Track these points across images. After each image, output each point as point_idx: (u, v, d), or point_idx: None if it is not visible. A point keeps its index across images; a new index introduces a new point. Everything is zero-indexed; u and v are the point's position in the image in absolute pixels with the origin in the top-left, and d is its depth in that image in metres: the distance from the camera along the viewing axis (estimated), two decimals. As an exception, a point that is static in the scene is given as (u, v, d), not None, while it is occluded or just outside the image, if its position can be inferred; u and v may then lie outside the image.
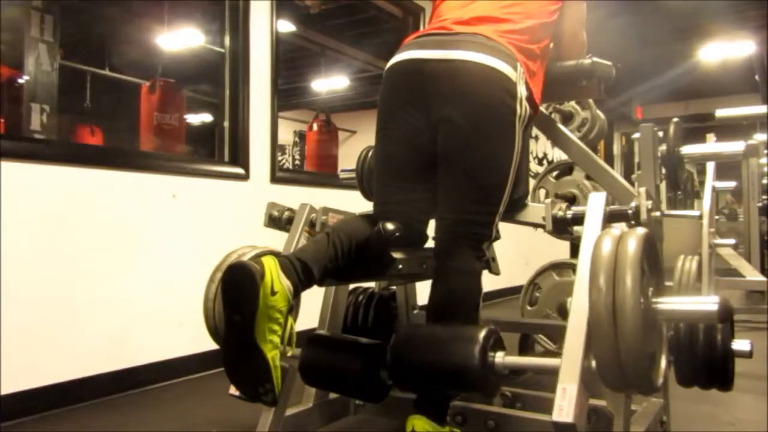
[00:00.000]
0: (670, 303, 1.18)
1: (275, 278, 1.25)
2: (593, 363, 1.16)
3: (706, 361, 1.59)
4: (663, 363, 1.24)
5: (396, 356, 1.31)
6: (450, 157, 1.46)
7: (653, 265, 1.19)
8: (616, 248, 1.12)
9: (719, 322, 1.18)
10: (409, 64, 1.51)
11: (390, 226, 1.41)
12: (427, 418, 1.34)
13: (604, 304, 1.08)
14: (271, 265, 1.27)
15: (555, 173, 2.50)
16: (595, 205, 1.38)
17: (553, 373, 1.22)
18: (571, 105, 2.52)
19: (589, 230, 1.34)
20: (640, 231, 1.16)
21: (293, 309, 1.52)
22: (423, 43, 1.53)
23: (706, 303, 1.15)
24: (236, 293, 1.25)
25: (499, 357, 1.23)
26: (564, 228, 1.50)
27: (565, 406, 1.12)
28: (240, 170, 3.03)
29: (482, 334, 1.22)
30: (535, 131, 1.89)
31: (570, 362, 1.17)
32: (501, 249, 1.89)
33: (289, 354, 1.30)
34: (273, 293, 1.24)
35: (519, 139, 1.47)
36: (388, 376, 1.33)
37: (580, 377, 1.15)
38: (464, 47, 1.45)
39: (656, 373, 1.19)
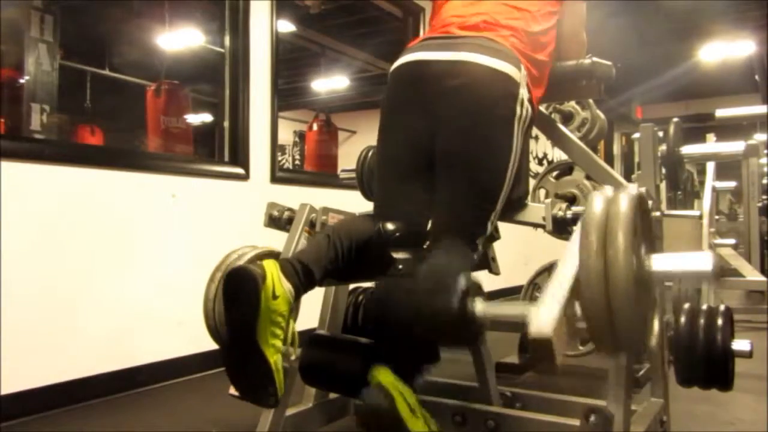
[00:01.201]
0: (662, 261, 1.16)
1: (276, 282, 1.25)
2: (577, 309, 1.13)
3: (706, 361, 1.60)
4: (656, 324, 1.21)
5: (377, 305, 1.29)
6: (448, 156, 1.46)
7: (646, 224, 1.17)
8: (608, 207, 1.10)
9: (713, 278, 1.15)
10: (413, 65, 1.51)
11: (390, 226, 1.41)
12: (395, 374, 1.30)
13: (595, 262, 1.05)
14: (272, 268, 1.27)
15: (555, 173, 2.50)
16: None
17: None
18: (571, 105, 2.52)
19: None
20: (633, 190, 1.14)
21: (294, 311, 1.52)
22: (427, 46, 1.54)
23: (700, 260, 1.13)
24: (237, 297, 1.25)
25: (479, 303, 1.22)
26: (564, 228, 1.50)
27: (543, 317, 1.08)
28: (240, 170, 3.03)
29: (461, 281, 1.21)
30: (535, 131, 1.89)
31: (551, 300, 1.11)
32: (501, 249, 1.89)
33: (292, 357, 1.30)
34: (275, 297, 1.24)
35: (518, 140, 1.47)
36: (369, 329, 1.31)
37: (558, 314, 1.09)
38: (468, 49, 1.46)
39: (649, 334, 1.17)
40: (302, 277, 1.32)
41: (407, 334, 1.31)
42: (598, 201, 1.12)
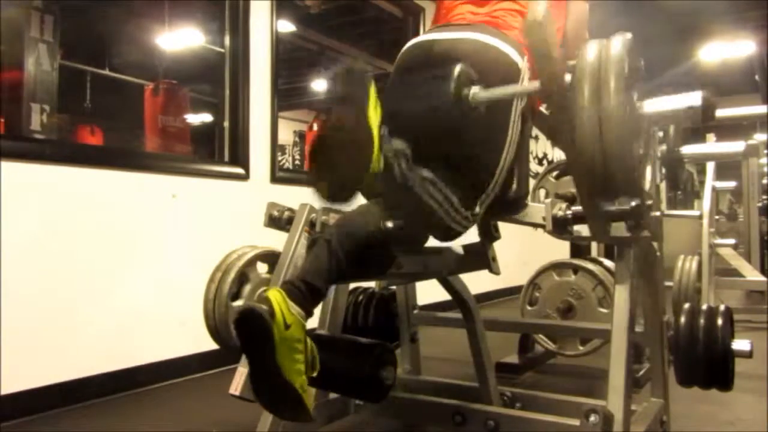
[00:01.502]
0: (654, 103, 1.16)
1: (286, 312, 1.25)
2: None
3: (706, 361, 1.60)
4: (648, 172, 1.23)
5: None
6: (446, 132, 1.44)
7: (636, 69, 1.17)
8: (600, 54, 1.10)
9: (703, 121, 1.15)
10: (418, 45, 1.52)
11: (391, 224, 1.41)
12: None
13: (589, 107, 1.06)
14: (278, 298, 1.27)
15: (555, 173, 2.50)
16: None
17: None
18: (572, 105, 2.51)
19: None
20: (625, 35, 1.14)
21: None
22: (434, 30, 1.54)
23: (690, 98, 1.14)
24: (252, 340, 1.26)
25: (474, 88, 1.25)
26: (564, 228, 1.49)
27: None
28: (240, 170, 3.03)
29: (456, 69, 1.26)
30: (535, 131, 1.89)
31: None
32: (501, 249, 1.89)
33: (314, 375, 1.31)
34: (287, 327, 1.24)
35: (514, 127, 1.44)
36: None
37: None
38: (474, 30, 1.47)
39: (642, 177, 1.17)
40: (309, 296, 1.32)
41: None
42: (591, 48, 1.12)
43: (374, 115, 1.22)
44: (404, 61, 1.53)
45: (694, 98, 1.11)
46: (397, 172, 1.30)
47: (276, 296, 1.27)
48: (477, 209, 1.44)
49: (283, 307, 1.26)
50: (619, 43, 1.11)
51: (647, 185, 1.21)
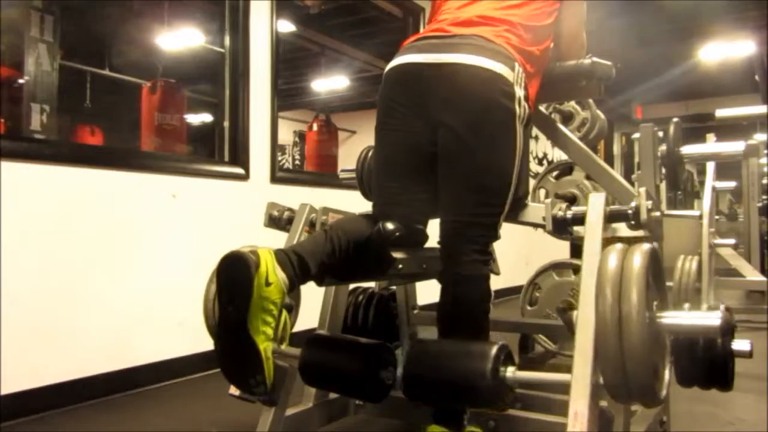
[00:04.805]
0: (673, 317, 1.21)
1: (270, 269, 1.26)
2: (600, 378, 1.18)
3: (706, 361, 1.59)
4: (666, 375, 1.26)
5: (410, 373, 1.31)
6: (451, 161, 1.46)
7: (657, 278, 1.21)
8: (622, 263, 1.14)
9: (721, 336, 1.20)
10: (407, 67, 1.51)
11: (390, 225, 1.41)
12: (444, 427, 1.35)
13: (610, 319, 1.10)
14: (267, 256, 1.27)
15: (555, 173, 2.50)
16: (595, 205, 1.38)
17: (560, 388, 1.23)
18: (571, 105, 2.52)
19: (590, 231, 1.34)
20: (646, 246, 1.18)
21: (293, 309, 1.52)
22: (420, 47, 1.53)
23: (709, 318, 1.17)
24: (230, 282, 1.26)
25: (510, 372, 1.23)
26: (564, 228, 1.49)
27: (577, 429, 1.14)
28: (240, 170, 3.03)
29: (494, 350, 1.23)
30: (535, 131, 1.89)
31: (579, 382, 1.17)
32: (501, 249, 1.89)
33: (282, 347, 1.30)
34: (267, 284, 1.24)
35: (520, 138, 1.47)
36: (404, 392, 1.33)
37: (590, 397, 1.16)
38: (461, 50, 1.45)
39: (660, 386, 1.21)
40: (297, 268, 1.32)
41: (444, 402, 1.35)
42: (612, 256, 1.17)
43: None
44: (393, 81, 1.54)
45: (712, 319, 1.17)
46: None
47: (265, 255, 1.28)
48: (498, 231, 1.52)
49: (269, 265, 1.26)
50: (639, 256, 1.15)
51: (665, 390, 1.27)
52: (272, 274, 1.26)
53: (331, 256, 1.38)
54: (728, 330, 1.15)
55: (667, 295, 1.29)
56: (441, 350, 1.37)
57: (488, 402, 1.28)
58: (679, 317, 1.21)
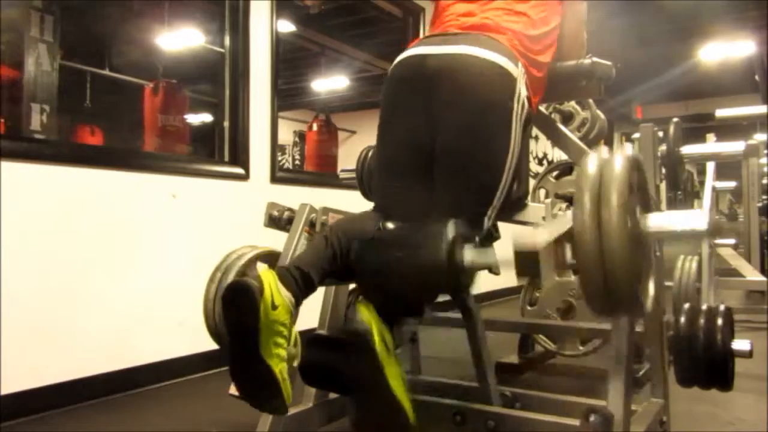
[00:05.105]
0: (657, 220, 1.15)
1: (275, 292, 1.26)
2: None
3: (706, 361, 1.60)
4: (651, 286, 1.20)
5: (362, 256, 1.28)
6: (446, 151, 1.45)
7: (640, 184, 1.17)
8: (602, 168, 1.10)
9: (708, 236, 1.14)
10: (412, 59, 1.52)
11: (390, 225, 1.41)
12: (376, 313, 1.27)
13: (590, 225, 1.05)
14: (269, 279, 1.27)
15: (555, 173, 2.50)
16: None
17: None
18: (571, 105, 2.52)
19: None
20: (628, 150, 1.14)
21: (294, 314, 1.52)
22: (427, 42, 1.54)
23: (695, 218, 1.13)
24: (237, 313, 1.26)
25: (468, 250, 1.20)
26: (564, 228, 1.49)
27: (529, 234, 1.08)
28: (240, 170, 3.03)
29: (449, 230, 1.20)
30: (535, 131, 1.89)
31: (544, 228, 1.13)
32: (501, 249, 1.90)
33: (294, 363, 1.30)
34: (274, 308, 1.24)
35: (516, 136, 1.46)
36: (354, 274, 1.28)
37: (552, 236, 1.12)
38: (467, 42, 1.46)
39: (644, 295, 1.16)
40: (301, 283, 1.32)
41: (394, 287, 1.28)
42: (592, 162, 1.12)
43: None
44: (399, 74, 1.53)
45: (699, 219, 1.11)
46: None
47: (268, 277, 1.27)
48: (487, 222, 1.46)
49: (273, 288, 1.26)
50: (620, 160, 1.11)
51: (650, 302, 1.20)
52: (277, 296, 1.26)
53: (333, 262, 1.38)
54: (715, 232, 1.11)
55: (652, 203, 1.23)
56: (396, 234, 1.34)
57: (443, 281, 1.24)
58: (663, 219, 1.16)
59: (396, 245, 1.28)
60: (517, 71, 1.45)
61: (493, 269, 1.84)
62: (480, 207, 1.45)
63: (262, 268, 1.67)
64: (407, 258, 1.24)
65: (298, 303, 1.32)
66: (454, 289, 1.27)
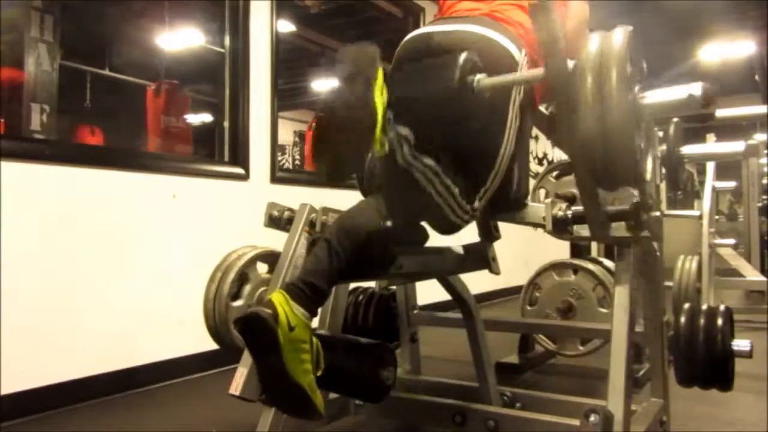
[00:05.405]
0: (654, 95, 1.19)
1: (289, 314, 1.26)
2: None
3: (706, 361, 1.60)
4: (649, 162, 1.25)
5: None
6: (444, 122, 1.44)
7: (638, 61, 1.19)
8: (602, 46, 1.13)
9: (703, 106, 1.17)
10: (419, 37, 1.51)
11: (391, 224, 1.41)
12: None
13: (592, 102, 1.09)
14: (281, 300, 1.27)
15: (555, 173, 2.50)
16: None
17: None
18: (572, 105, 2.51)
19: None
20: (627, 28, 1.17)
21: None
22: (434, 23, 1.55)
23: (690, 88, 1.16)
24: (257, 343, 1.27)
25: (480, 76, 1.25)
26: (564, 228, 1.49)
27: None
28: (240, 170, 3.03)
29: (461, 58, 1.25)
30: (535, 131, 1.89)
31: None
32: (501, 249, 1.89)
33: (319, 374, 1.32)
34: (291, 329, 1.25)
35: (513, 118, 1.43)
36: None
37: None
38: (474, 22, 1.46)
39: (644, 167, 1.20)
40: (312, 296, 1.33)
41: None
42: (593, 40, 1.15)
43: (380, 96, 1.21)
44: (405, 52, 1.52)
45: (694, 87, 1.14)
46: (399, 157, 1.28)
47: (279, 299, 1.27)
48: (477, 203, 1.43)
49: (286, 309, 1.26)
50: (620, 36, 1.13)
51: (648, 178, 1.23)
52: (292, 316, 1.26)
53: (338, 268, 1.38)
54: (710, 100, 1.14)
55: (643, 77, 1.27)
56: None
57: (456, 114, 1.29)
58: (659, 94, 1.19)
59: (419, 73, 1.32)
60: (520, 57, 1.44)
61: (494, 270, 1.84)
62: (475, 181, 1.43)
63: (264, 273, 1.68)
64: (424, 85, 1.29)
65: (313, 315, 1.32)
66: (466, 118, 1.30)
